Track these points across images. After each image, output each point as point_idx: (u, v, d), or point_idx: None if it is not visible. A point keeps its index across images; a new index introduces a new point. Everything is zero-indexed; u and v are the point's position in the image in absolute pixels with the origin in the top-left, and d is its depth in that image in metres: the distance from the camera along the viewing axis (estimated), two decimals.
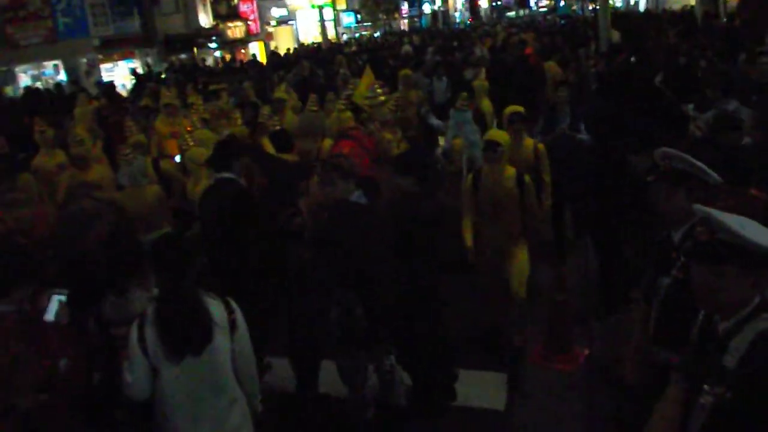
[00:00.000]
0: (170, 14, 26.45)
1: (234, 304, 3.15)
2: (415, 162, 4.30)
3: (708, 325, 2.25)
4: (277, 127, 6.96)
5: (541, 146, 5.78)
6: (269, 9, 33.66)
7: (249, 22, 31.38)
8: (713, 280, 2.07)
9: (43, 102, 15.15)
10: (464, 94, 7.93)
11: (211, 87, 10.56)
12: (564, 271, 5.42)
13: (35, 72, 24.04)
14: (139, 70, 23.87)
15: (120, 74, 24.19)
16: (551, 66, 11.36)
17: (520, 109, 5.88)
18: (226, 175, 4.68)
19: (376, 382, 4.46)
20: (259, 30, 32.27)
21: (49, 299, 3.36)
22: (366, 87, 7.58)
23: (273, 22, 34.57)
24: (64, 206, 6.60)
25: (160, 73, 20.99)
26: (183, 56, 26.99)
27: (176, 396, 3.03)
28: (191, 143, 6.45)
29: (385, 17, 44.48)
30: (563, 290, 5.17)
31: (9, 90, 23.01)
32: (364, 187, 3.97)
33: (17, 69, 23.73)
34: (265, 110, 7.51)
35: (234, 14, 30.76)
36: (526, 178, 5.02)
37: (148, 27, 25.28)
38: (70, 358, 3.21)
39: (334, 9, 39.39)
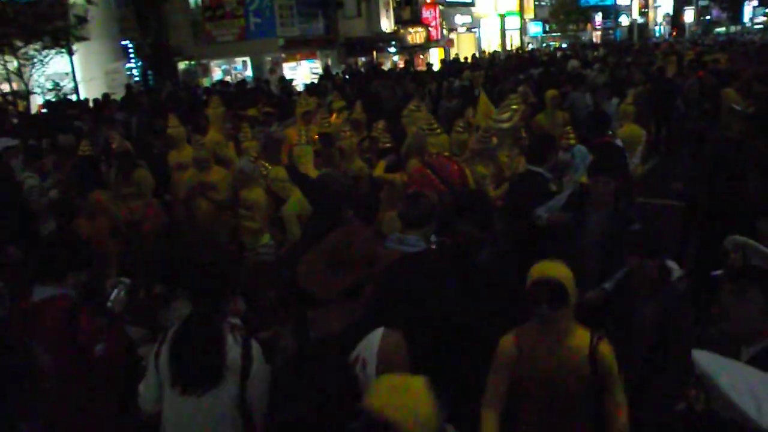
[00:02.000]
0: (352, 18, 27.26)
1: (255, 347, 2.91)
2: (478, 205, 3.76)
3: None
4: (387, 145, 6.65)
5: None
6: (453, 16, 33.61)
7: (430, 28, 31.52)
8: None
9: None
10: None
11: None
12: None
13: (227, 66, 26.03)
14: (318, 71, 24.89)
15: (302, 73, 25.38)
16: (727, 93, 9.94)
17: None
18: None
19: None
20: (439, 36, 32.30)
21: (114, 287, 3.59)
22: (482, 114, 7.05)
23: (460, 29, 34.49)
24: (184, 204, 6.84)
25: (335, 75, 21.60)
26: (362, 59, 27.76)
27: (173, 422, 2.93)
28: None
29: (575, 28, 42.65)
30: None
31: (206, 81, 25.12)
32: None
33: (212, 63, 25.87)
34: (380, 125, 7.22)
35: (416, 20, 31.08)
36: (603, 347, 2.91)
37: (330, 30, 26.25)
38: (108, 343, 3.35)
39: (521, 18, 38.51)
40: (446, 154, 5.73)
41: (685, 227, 6.20)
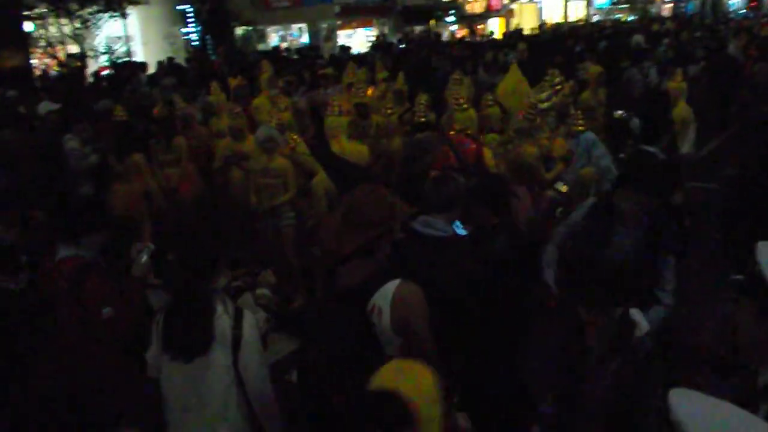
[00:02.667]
0: None
1: (248, 319, 2.97)
2: (494, 189, 3.61)
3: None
4: (422, 119, 6.51)
5: None
6: None
7: None
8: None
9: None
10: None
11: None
12: None
13: (283, 33, 26.04)
14: (374, 39, 24.66)
15: (358, 41, 25.19)
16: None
17: None
18: None
19: None
20: (500, 6, 31.50)
21: (139, 251, 3.66)
22: (510, 91, 6.81)
23: None
24: (218, 172, 6.88)
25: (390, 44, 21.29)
26: (418, 28, 27.33)
27: (168, 394, 2.99)
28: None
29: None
30: None
31: (261, 46, 25.22)
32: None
33: (269, 29, 25.91)
34: (422, 99, 7.08)
35: None
36: None
37: None
38: (117, 306, 3.42)
39: None
40: (469, 131, 5.58)
41: (725, 217, 5.83)
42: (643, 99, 8.96)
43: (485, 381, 3.28)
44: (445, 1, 28.62)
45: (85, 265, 3.47)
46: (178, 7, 22.60)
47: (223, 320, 2.91)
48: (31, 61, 15.28)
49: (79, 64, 15.53)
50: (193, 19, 23.32)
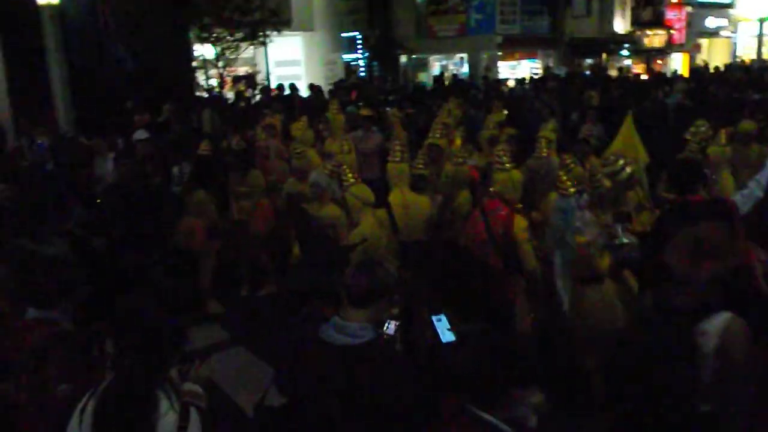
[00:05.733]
0: (581, 17, 25.63)
1: (193, 417, 2.50)
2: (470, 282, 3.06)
3: None
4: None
5: None
6: (704, 18, 30.07)
7: (672, 31, 28.50)
8: None
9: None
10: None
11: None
12: None
13: (444, 62, 26.05)
14: (538, 72, 23.85)
15: (521, 73, 24.48)
16: None
17: None
18: None
19: None
20: (684, 40, 29.13)
21: None
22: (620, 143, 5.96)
23: (711, 33, 30.81)
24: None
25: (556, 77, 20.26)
26: (588, 61, 26.05)
27: None
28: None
29: None
30: None
31: (423, 76, 25.45)
32: None
33: (432, 58, 26.08)
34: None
35: (657, 21, 28.29)
36: None
37: (555, 28, 24.97)
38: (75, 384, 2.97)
39: None
40: (509, 195, 4.94)
41: None
42: None
43: None
44: (620, 34, 27.01)
45: (54, 336, 3.06)
46: (343, 34, 23.46)
47: (167, 413, 2.45)
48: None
49: (242, 88, 16.62)
50: (360, 46, 24.15)
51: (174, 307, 3.19)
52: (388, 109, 9.92)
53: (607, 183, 4.84)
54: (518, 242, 4.77)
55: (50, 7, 11.27)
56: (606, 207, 4.72)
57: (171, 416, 2.44)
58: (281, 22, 17.91)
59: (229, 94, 16.63)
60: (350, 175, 5.36)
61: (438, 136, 6.92)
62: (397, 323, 2.70)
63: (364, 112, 9.10)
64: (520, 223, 4.87)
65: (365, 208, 5.30)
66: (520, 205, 5.13)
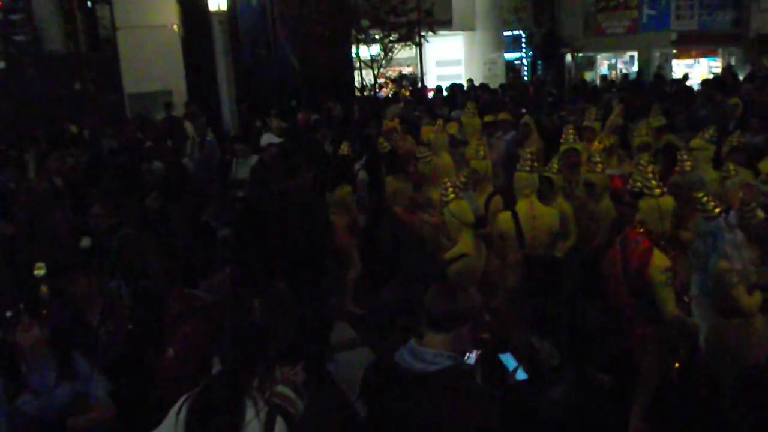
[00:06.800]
0: None
1: (279, 423, 2.54)
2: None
3: None
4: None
5: None
6: None
7: None
8: None
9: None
10: None
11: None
12: None
13: (613, 60, 24.75)
14: (719, 71, 21.90)
15: (699, 73, 22.66)
16: None
17: None
18: None
19: None
20: None
21: None
22: None
23: None
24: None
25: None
26: None
27: None
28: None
29: None
30: None
31: (588, 75, 24.39)
32: None
33: (599, 56, 24.88)
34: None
35: None
36: None
37: (740, 23, 22.79)
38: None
39: None
40: (654, 226, 4.38)
41: None
42: None
43: None
44: None
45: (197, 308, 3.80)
46: (506, 33, 23.09)
47: (252, 427, 2.50)
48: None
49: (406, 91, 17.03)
50: (525, 45, 23.64)
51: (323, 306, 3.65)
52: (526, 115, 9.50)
53: (760, 214, 4.36)
54: (654, 284, 4.18)
55: (219, 13, 12.30)
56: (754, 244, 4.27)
57: (255, 425, 2.48)
58: (438, 22, 18.00)
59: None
60: (450, 190, 5.22)
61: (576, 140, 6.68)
62: (479, 352, 2.64)
63: (502, 116, 8.91)
64: (660, 261, 4.22)
65: (464, 227, 5.18)
66: (663, 242, 4.47)
